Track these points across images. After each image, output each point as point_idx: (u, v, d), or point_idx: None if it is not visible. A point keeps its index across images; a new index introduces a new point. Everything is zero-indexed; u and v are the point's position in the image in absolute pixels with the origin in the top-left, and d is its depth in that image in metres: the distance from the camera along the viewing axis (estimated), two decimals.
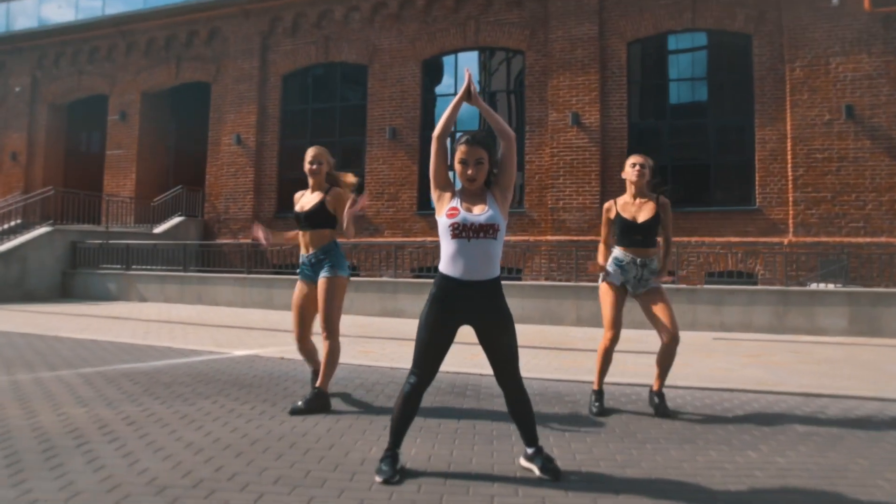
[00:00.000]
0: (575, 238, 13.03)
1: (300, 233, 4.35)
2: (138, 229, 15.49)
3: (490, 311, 2.87)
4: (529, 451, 2.92)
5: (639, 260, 4.23)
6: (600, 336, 4.37)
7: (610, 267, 4.30)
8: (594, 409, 4.15)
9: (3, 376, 4.90)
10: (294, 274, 13.73)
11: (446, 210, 2.87)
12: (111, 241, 13.55)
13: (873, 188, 11.50)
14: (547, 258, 13.44)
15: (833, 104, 11.62)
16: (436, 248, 12.64)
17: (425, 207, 14.83)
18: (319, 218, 4.23)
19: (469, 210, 2.85)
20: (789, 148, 11.99)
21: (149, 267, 13.16)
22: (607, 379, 4.43)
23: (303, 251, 4.34)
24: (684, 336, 7.93)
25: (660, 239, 4.39)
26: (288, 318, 9.65)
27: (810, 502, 2.68)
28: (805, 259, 11.30)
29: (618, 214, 4.29)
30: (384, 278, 12.00)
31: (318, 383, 4.08)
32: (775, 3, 12.12)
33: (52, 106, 18.69)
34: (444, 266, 2.88)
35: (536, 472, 2.85)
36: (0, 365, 5.41)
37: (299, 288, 4.35)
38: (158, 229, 15.33)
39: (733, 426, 3.92)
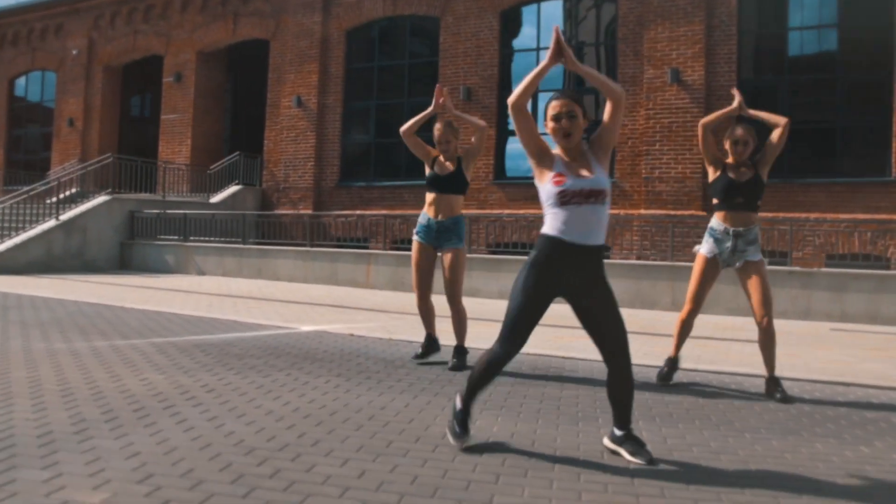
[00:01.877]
0: (672, 212, 12.92)
1: (429, 193, 5.13)
2: (194, 198, 16.46)
3: (596, 280, 3.04)
4: (619, 433, 3.11)
5: (733, 230, 4.46)
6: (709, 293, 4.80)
7: (705, 239, 4.60)
8: (661, 372, 4.69)
9: (82, 342, 5.57)
10: (358, 247, 14.26)
11: (551, 177, 3.00)
12: (169, 211, 14.50)
13: None
14: (639, 235, 13.37)
15: None
16: (514, 221, 12.88)
17: (502, 176, 15.04)
18: (457, 183, 5.06)
19: (576, 175, 3.01)
20: None
21: (207, 238, 14.03)
22: (707, 367, 4.64)
23: (429, 213, 5.09)
24: (795, 326, 7.94)
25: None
26: (353, 294, 10.28)
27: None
28: None
29: (724, 171, 4.56)
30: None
31: (459, 342, 5.13)
32: None
33: (108, 68, 19.95)
34: (552, 229, 3.00)
35: (626, 455, 3.05)
36: (77, 332, 6.11)
37: (419, 249, 5.15)
38: (215, 199, 16.24)
39: (846, 421, 4.01)
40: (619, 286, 10.48)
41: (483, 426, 3.53)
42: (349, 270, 11.86)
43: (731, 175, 4.50)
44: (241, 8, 17.62)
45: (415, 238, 5.22)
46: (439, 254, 5.21)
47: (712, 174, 4.64)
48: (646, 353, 5.97)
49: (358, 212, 15.65)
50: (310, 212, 15.99)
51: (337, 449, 3.06)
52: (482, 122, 5.32)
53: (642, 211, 13.49)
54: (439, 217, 5.07)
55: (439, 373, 4.92)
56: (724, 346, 6.55)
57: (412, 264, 5.23)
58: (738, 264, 4.50)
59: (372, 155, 16.57)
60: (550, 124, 3.07)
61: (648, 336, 6.95)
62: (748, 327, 6.95)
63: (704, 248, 4.58)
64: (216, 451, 2.94)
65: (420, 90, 15.91)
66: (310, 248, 12.60)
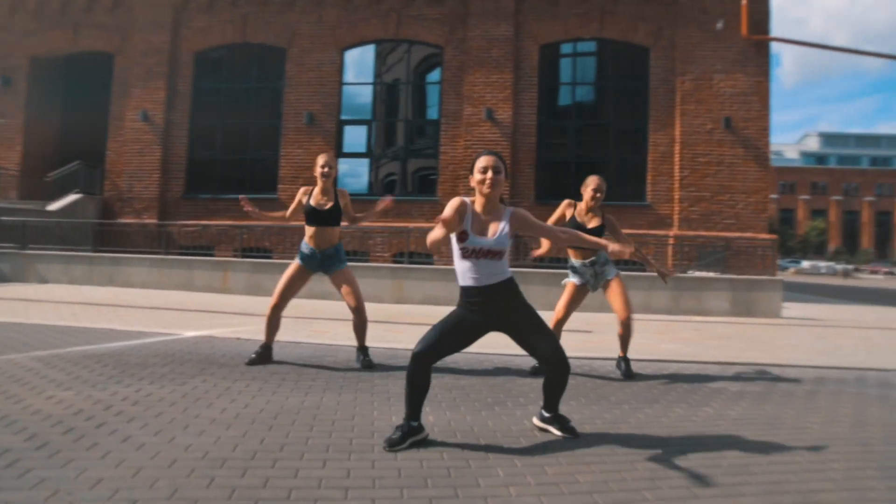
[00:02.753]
0: None
1: (308, 226, 4.83)
2: (27, 205, 14.02)
3: (514, 306, 3.04)
4: (548, 414, 3.19)
5: (588, 262, 4.84)
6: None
7: (570, 277, 4.96)
8: (535, 367, 4.78)
9: None
10: (205, 255, 13.12)
11: (458, 233, 2.95)
12: (4, 218, 12.20)
13: (743, 190, 12.95)
14: None
15: (715, 115, 12.92)
16: (346, 230, 12.52)
17: None
18: (334, 217, 4.80)
19: (480, 233, 2.96)
20: (677, 151, 13.19)
21: (50, 246, 12.02)
22: (573, 353, 4.85)
23: (310, 243, 4.81)
24: (599, 317, 8.60)
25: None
26: (213, 300, 9.39)
27: (770, 440, 3.20)
28: (688, 250, 12.53)
29: (573, 217, 4.84)
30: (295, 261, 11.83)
31: (360, 344, 4.94)
32: (671, 20, 13.23)
33: None
34: (462, 279, 3.03)
35: (556, 432, 3.13)
36: None
37: (297, 269, 4.81)
38: (53, 206, 13.98)
39: (680, 389, 4.45)
40: (445, 288, 10.71)
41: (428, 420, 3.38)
42: (206, 277, 10.83)
43: (579, 220, 4.78)
44: (82, 18, 15.40)
45: (297, 260, 4.87)
46: (325, 277, 4.99)
47: (566, 217, 4.85)
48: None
49: (203, 222, 14.40)
50: (155, 221, 14.40)
51: (309, 451, 2.75)
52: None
53: None
54: (321, 247, 4.82)
55: (343, 371, 4.65)
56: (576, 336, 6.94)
57: (285, 276, 4.82)
58: (600, 285, 4.90)
59: (218, 169, 15.33)
60: (477, 176, 2.97)
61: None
62: (597, 321, 7.48)
63: (574, 279, 4.91)
64: (188, 467, 2.49)
65: (266, 114, 15.06)
66: (165, 256, 11.31)
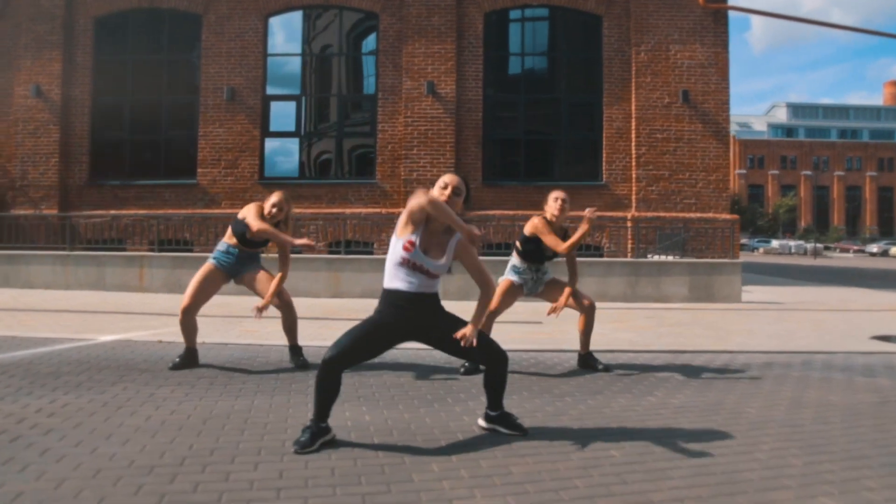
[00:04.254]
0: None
1: (233, 236, 5.09)
2: None
3: (435, 315, 3.33)
4: (493, 413, 3.46)
5: (534, 267, 5.25)
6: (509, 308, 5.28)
7: (510, 274, 5.28)
8: (466, 367, 4.96)
9: None
10: (118, 249, 13.01)
11: (406, 240, 3.20)
12: None
13: (703, 168, 13.64)
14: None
15: (672, 88, 13.53)
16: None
17: (267, 175, 14.68)
18: (259, 245, 5.14)
19: (426, 252, 3.22)
20: (633, 127, 13.75)
21: None
22: (517, 346, 5.22)
23: (228, 243, 5.08)
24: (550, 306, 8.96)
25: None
26: (129, 300, 9.38)
27: (706, 427, 3.61)
28: (646, 233, 13.15)
29: (537, 238, 5.09)
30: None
31: (291, 343, 5.23)
32: None
33: None
34: (387, 282, 3.28)
35: (503, 430, 3.41)
36: None
37: (212, 268, 5.05)
38: None
39: (627, 379, 4.88)
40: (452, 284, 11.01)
41: (354, 417, 3.66)
42: (119, 274, 10.75)
43: (546, 240, 5.01)
44: None
45: (211, 261, 5.08)
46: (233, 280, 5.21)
47: (542, 234, 5.05)
48: None
49: (112, 212, 14.16)
50: (55, 212, 14.07)
51: (238, 454, 2.98)
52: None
53: (402, 210, 14.13)
54: (240, 251, 5.10)
55: (278, 372, 4.87)
56: (503, 328, 7.30)
57: (198, 278, 5.01)
58: (538, 290, 5.30)
59: (127, 151, 15.05)
60: (436, 192, 3.27)
61: None
62: (513, 310, 7.88)
63: (513, 278, 5.26)
64: (114, 476, 2.68)
65: (181, 89, 14.86)
66: (71, 252, 11.14)
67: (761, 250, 53.35)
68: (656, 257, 11.98)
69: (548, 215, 5.17)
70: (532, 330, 7.20)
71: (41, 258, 10.99)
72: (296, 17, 14.93)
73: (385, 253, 12.37)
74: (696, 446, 3.24)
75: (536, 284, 5.31)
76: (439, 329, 3.32)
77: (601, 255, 13.26)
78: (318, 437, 3.11)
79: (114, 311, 8.24)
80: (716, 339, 6.81)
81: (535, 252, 5.17)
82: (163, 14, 14.75)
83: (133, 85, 14.90)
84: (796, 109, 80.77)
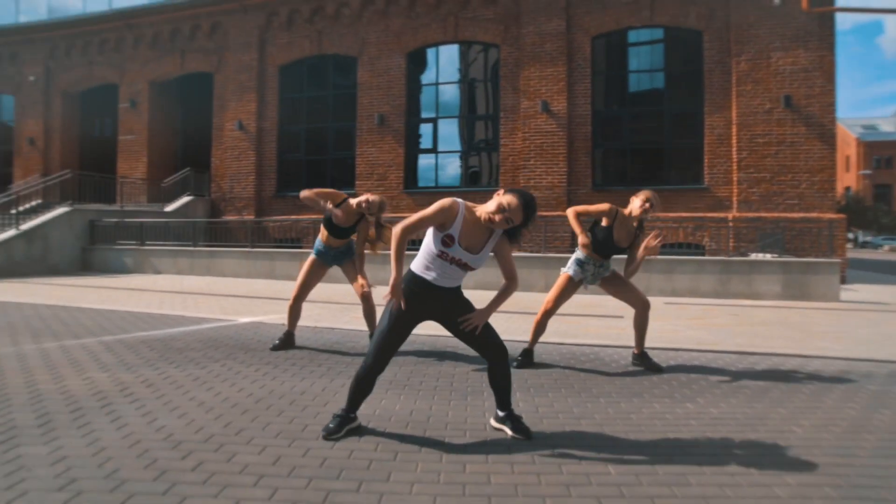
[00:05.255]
0: (544, 214, 13.11)
1: (324, 228, 4.85)
2: (150, 208, 15.30)
3: (453, 306, 2.85)
4: (501, 413, 2.94)
5: (595, 261, 4.47)
6: (567, 301, 4.62)
7: (571, 269, 4.50)
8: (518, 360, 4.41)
9: (31, 345, 4.92)
10: (293, 247, 13.78)
11: (443, 235, 2.70)
12: (126, 220, 13.39)
13: (807, 169, 11.69)
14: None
15: (773, 94, 11.72)
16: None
17: (411, 186, 14.81)
18: (346, 233, 4.83)
19: (464, 245, 2.71)
20: (734, 133, 12.12)
21: (162, 242, 13.06)
22: (573, 340, 4.60)
23: (325, 242, 4.88)
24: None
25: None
26: (286, 287, 9.76)
27: (731, 446, 2.81)
28: (746, 232, 11.53)
29: (609, 228, 4.33)
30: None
31: (372, 331, 4.85)
32: (724, 2, 12.11)
33: (66, 94, 18.21)
34: (420, 268, 2.80)
35: (509, 432, 2.88)
36: (29, 335, 5.41)
37: (314, 262, 4.91)
38: (169, 208, 15.16)
39: (676, 381, 4.07)
40: (500, 273, 10.57)
41: (387, 405, 3.32)
42: (286, 267, 11.32)
43: (614, 237, 4.32)
44: (187, 45, 16.49)
45: (312, 255, 4.96)
46: (337, 268, 5.03)
47: (603, 221, 4.36)
48: (525, 331, 5.91)
49: (293, 217, 15.04)
50: (252, 217, 15.22)
51: (258, 437, 2.77)
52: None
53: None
54: (333, 246, 4.88)
55: (356, 357, 4.66)
56: (582, 320, 6.61)
57: (304, 270, 4.90)
58: (597, 281, 4.52)
59: (303, 169, 15.94)
60: (492, 206, 2.67)
61: (527, 315, 6.93)
62: (602, 304, 7.09)
63: (572, 272, 4.50)
64: (144, 448, 2.58)
65: (343, 117, 15.44)
66: (251, 249, 11.94)
67: (886, 248, 45.71)
68: (755, 255, 10.42)
69: (628, 209, 4.37)
70: (609, 324, 6.41)
71: (231, 253, 11.87)
72: (431, 53, 14.91)
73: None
74: (707, 471, 2.47)
75: (595, 277, 4.51)
76: (456, 315, 2.85)
77: (703, 254, 11.84)
78: (344, 424, 2.83)
79: (269, 297, 8.60)
80: (794, 342, 5.61)
81: (605, 242, 4.35)
82: (328, 59, 15.41)
83: (307, 116, 15.72)
84: None
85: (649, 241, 4.20)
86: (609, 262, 4.56)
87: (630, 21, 12.79)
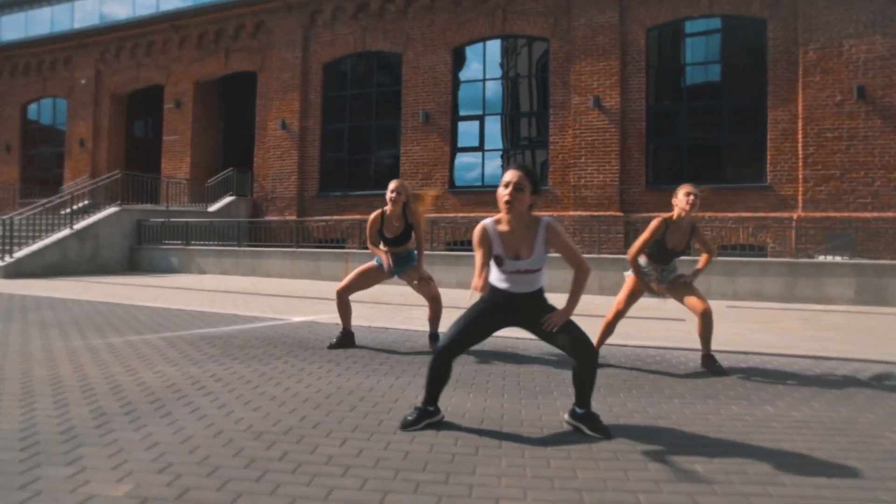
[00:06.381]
0: (595, 213, 13.05)
1: (385, 247, 4.99)
2: (194, 208, 15.86)
3: (535, 310, 2.93)
4: (579, 411, 2.97)
5: (660, 268, 4.52)
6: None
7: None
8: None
9: (98, 339, 5.22)
10: (337, 247, 14.07)
11: (493, 257, 2.87)
12: (172, 220, 13.94)
13: (882, 165, 11.28)
14: (570, 232, 13.47)
15: (845, 85, 11.36)
16: (468, 222, 12.73)
17: (457, 185, 14.93)
18: (403, 240, 4.90)
19: (514, 255, 2.84)
20: (800, 128, 11.79)
21: (206, 242, 13.54)
22: (637, 342, 4.61)
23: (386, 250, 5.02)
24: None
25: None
26: (331, 288, 9.96)
27: (821, 450, 2.78)
28: (813, 233, 11.20)
29: (662, 239, 4.38)
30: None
31: (432, 331, 5.01)
32: None
33: (114, 96, 19.07)
34: (495, 280, 2.93)
35: (586, 430, 2.91)
36: (93, 329, 5.73)
37: (371, 267, 5.03)
38: (212, 208, 15.69)
39: (751, 384, 4.03)
40: (556, 275, 10.59)
41: (458, 403, 3.41)
42: (330, 267, 11.58)
43: (668, 245, 4.37)
44: (231, 44, 17.05)
45: (374, 262, 5.05)
46: (396, 277, 5.11)
47: (645, 234, 4.38)
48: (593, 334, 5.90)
49: (335, 217, 15.35)
50: (294, 217, 15.61)
51: (335, 430, 2.89)
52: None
53: (571, 213, 13.56)
54: (394, 253, 4.97)
55: (416, 356, 4.78)
56: (644, 324, 6.58)
57: (359, 269, 5.05)
58: (665, 283, 4.53)
59: (346, 169, 16.27)
60: (500, 189, 2.83)
61: (583, 317, 6.92)
62: (663, 307, 7.02)
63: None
64: (229, 438, 2.74)
65: (386, 115, 15.68)
66: (296, 249, 12.26)
67: None
68: (822, 258, 10.11)
69: (675, 212, 4.39)
70: (671, 327, 6.37)
71: (276, 253, 12.22)
72: (477, 49, 15.00)
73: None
74: (800, 472, 2.49)
75: (660, 281, 4.55)
76: (538, 318, 2.93)
77: (765, 255, 11.55)
78: (423, 418, 2.94)
79: (315, 297, 8.84)
80: (872, 347, 5.45)
81: (658, 253, 4.49)
82: (372, 56, 15.69)
83: (350, 114, 16.03)
84: None
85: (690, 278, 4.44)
86: (673, 263, 4.57)
87: (687, 11, 12.60)
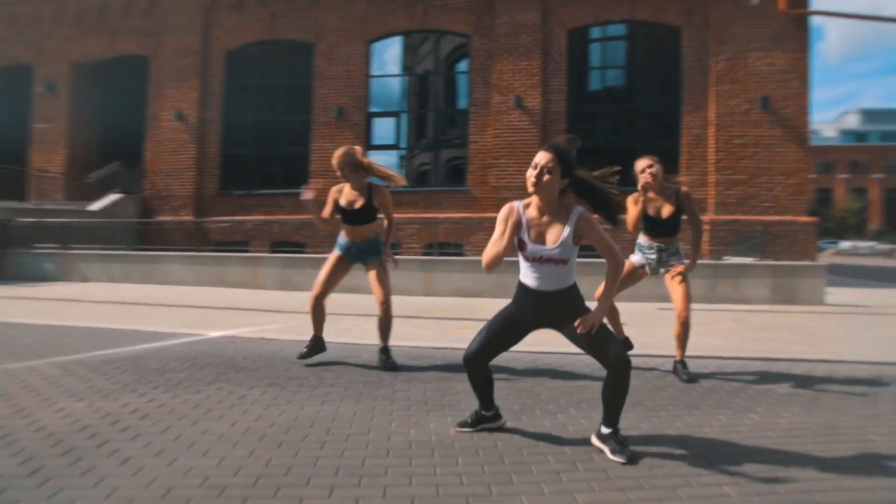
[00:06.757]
0: None
1: (343, 223, 4.63)
2: (71, 206, 14.20)
3: (566, 311, 2.77)
4: (604, 430, 2.76)
5: (657, 245, 4.39)
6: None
7: (634, 255, 4.53)
8: None
9: None
10: (240, 251, 13.17)
11: (517, 240, 2.76)
12: (46, 220, 12.35)
13: (782, 172, 12.21)
14: (488, 234, 13.47)
15: (751, 95, 12.19)
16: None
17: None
18: (365, 215, 4.54)
19: (539, 241, 2.72)
20: (712, 134, 12.50)
21: (89, 246, 12.12)
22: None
23: (347, 238, 4.64)
24: (634, 307, 8.09)
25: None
26: (244, 296, 9.24)
27: (829, 455, 2.76)
28: (724, 235, 11.90)
29: (645, 211, 4.34)
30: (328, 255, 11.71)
31: (383, 344, 4.59)
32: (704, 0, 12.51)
33: None
34: (522, 276, 2.83)
35: (607, 453, 2.71)
36: None
37: (336, 259, 4.63)
38: (95, 206, 14.11)
39: (723, 391, 4.02)
40: (485, 279, 10.38)
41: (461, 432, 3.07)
42: (237, 273, 10.73)
43: (651, 213, 4.32)
44: (119, 24, 15.47)
45: (336, 250, 4.68)
46: (362, 267, 4.75)
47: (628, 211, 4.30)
48: (549, 342, 5.73)
49: (238, 217, 14.36)
50: (191, 218, 14.42)
51: (314, 475, 2.46)
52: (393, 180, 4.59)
53: (492, 214, 13.53)
54: (356, 241, 4.63)
55: (365, 374, 4.36)
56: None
57: (326, 266, 4.65)
58: (662, 271, 4.44)
59: (251, 165, 15.26)
60: (528, 172, 2.71)
61: None
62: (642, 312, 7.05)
63: (635, 258, 4.50)
64: (183, 497, 2.22)
65: (296, 109, 14.90)
66: (198, 254, 11.26)
67: (831, 251, 48.93)
68: (734, 259, 10.74)
69: (639, 187, 4.31)
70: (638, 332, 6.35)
71: (175, 258, 11.16)
72: (396, 43, 14.63)
73: (474, 254, 11.83)
74: (828, 486, 2.42)
75: (660, 265, 4.45)
76: (571, 321, 2.75)
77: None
78: (480, 422, 3.02)
79: (228, 307, 8.08)
80: (809, 346, 5.74)
81: (648, 227, 4.38)
82: (282, 45, 14.84)
83: (256, 107, 15.08)
84: (869, 115, 73.68)
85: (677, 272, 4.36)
86: (675, 245, 4.46)
87: (608, 15, 13.00)
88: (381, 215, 4.64)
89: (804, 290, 9.18)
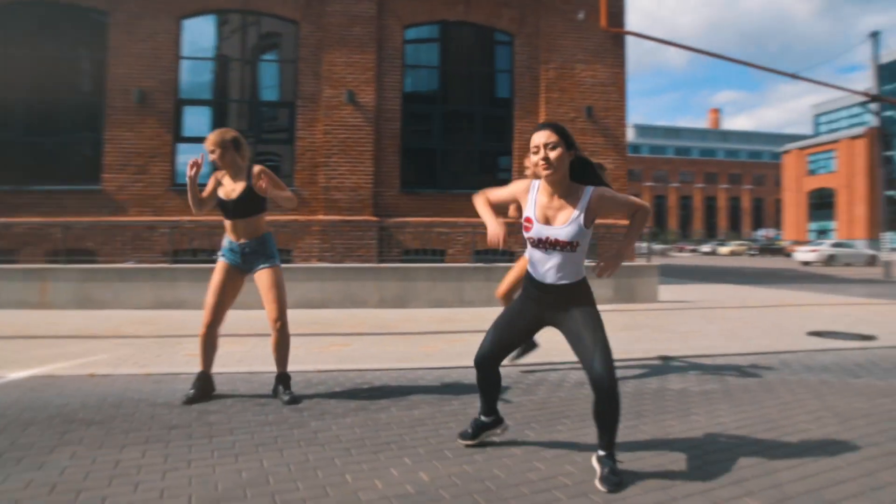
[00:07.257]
0: (348, 218, 12.65)
1: (226, 221, 3.92)
2: None
3: (569, 310, 2.63)
4: (600, 452, 2.59)
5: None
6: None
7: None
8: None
9: None
10: (9, 261, 10.81)
11: (523, 220, 2.68)
12: None
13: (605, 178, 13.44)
14: (319, 238, 12.82)
15: (577, 104, 13.21)
16: (196, 227, 11.10)
17: (181, 182, 12.84)
18: (249, 205, 3.84)
19: (547, 221, 2.60)
20: None
21: None
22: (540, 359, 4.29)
23: (231, 237, 3.89)
24: (431, 313, 8.13)
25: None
26: (32, 320, 7.47)
27: (815, 450, 2.88)
28: None
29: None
30: (128, 265, 10.14)
31: (280, 369, 3.93)
32: (535, 8, 13.25)
33: None
34: (530, 268, 2.75)
35: (597, 476, 2.54)
36: None
37: (223, 271, 3.86)
38: None
39: (669, 393, 4.10)
40: (329, 287, 9.75)
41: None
42: (16, 290, 8.70)
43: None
44: None
45: (220, 258, 3.90)
46: (251, 276, 3.97)
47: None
48: (408, 354, 5.43)
49: (4, 220, 11.76)
50: None
51: None
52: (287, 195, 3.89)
53: (321, 217, 12.90)
54: (241, 241, 3.89)
55: (258, 410, 3.65)
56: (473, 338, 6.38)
57: (211, 285, 3.87)
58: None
59: (19, 155, 12.58)
60: (532, 158, 2.54)
61: (399, 336, 6.41)
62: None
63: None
64: None
65: (84, 90, 12.64)
66: None
67: None
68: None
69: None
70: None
71: None
72: (211, 22, 13.16)
73: (304, 261, 11.07)
74: (819, 484, 2.48)
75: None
76: (573, 322, 2.59)
77: (514, 260, 12.68)
78: (481, 430, 2.97)
79: (17, 336, 6.43)
80: (679, 343, 6.25)
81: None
82: (63, 7, 12.47)
83: (26, 83, 12.48)
84: (641, 130, 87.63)
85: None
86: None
87: (444, 14, 13.12)
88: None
89: (642, 289, 10.15)
